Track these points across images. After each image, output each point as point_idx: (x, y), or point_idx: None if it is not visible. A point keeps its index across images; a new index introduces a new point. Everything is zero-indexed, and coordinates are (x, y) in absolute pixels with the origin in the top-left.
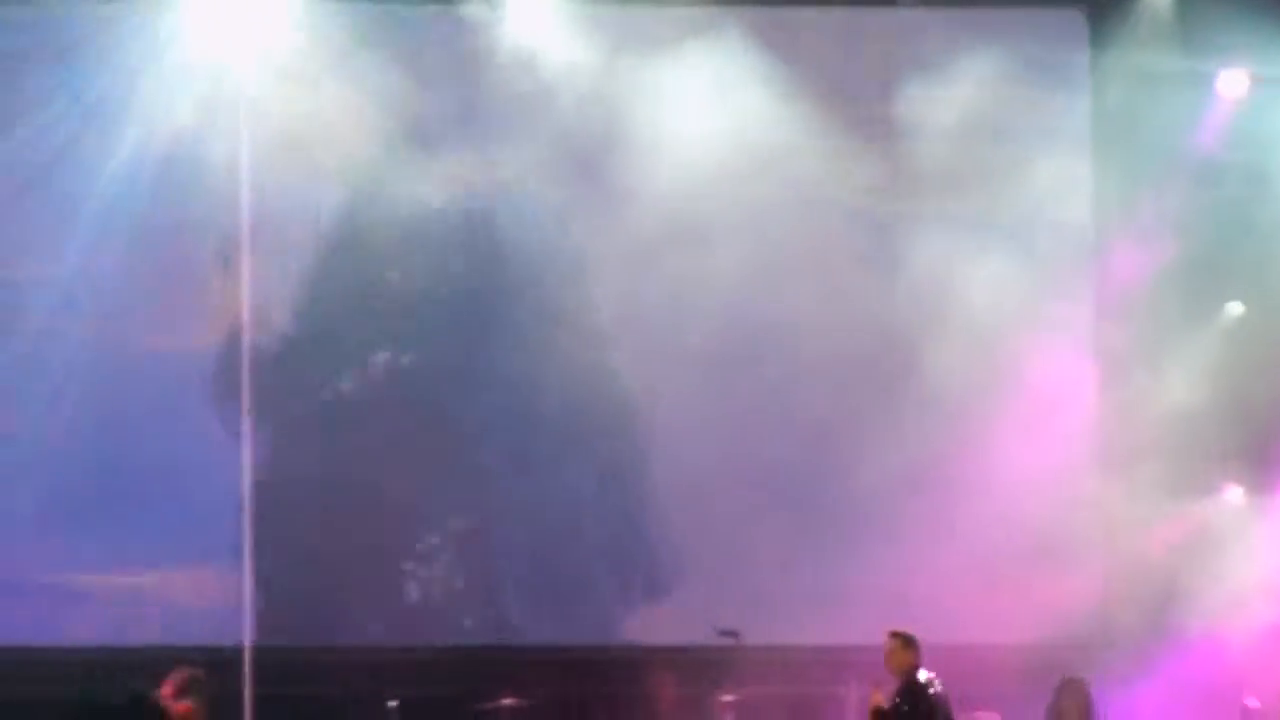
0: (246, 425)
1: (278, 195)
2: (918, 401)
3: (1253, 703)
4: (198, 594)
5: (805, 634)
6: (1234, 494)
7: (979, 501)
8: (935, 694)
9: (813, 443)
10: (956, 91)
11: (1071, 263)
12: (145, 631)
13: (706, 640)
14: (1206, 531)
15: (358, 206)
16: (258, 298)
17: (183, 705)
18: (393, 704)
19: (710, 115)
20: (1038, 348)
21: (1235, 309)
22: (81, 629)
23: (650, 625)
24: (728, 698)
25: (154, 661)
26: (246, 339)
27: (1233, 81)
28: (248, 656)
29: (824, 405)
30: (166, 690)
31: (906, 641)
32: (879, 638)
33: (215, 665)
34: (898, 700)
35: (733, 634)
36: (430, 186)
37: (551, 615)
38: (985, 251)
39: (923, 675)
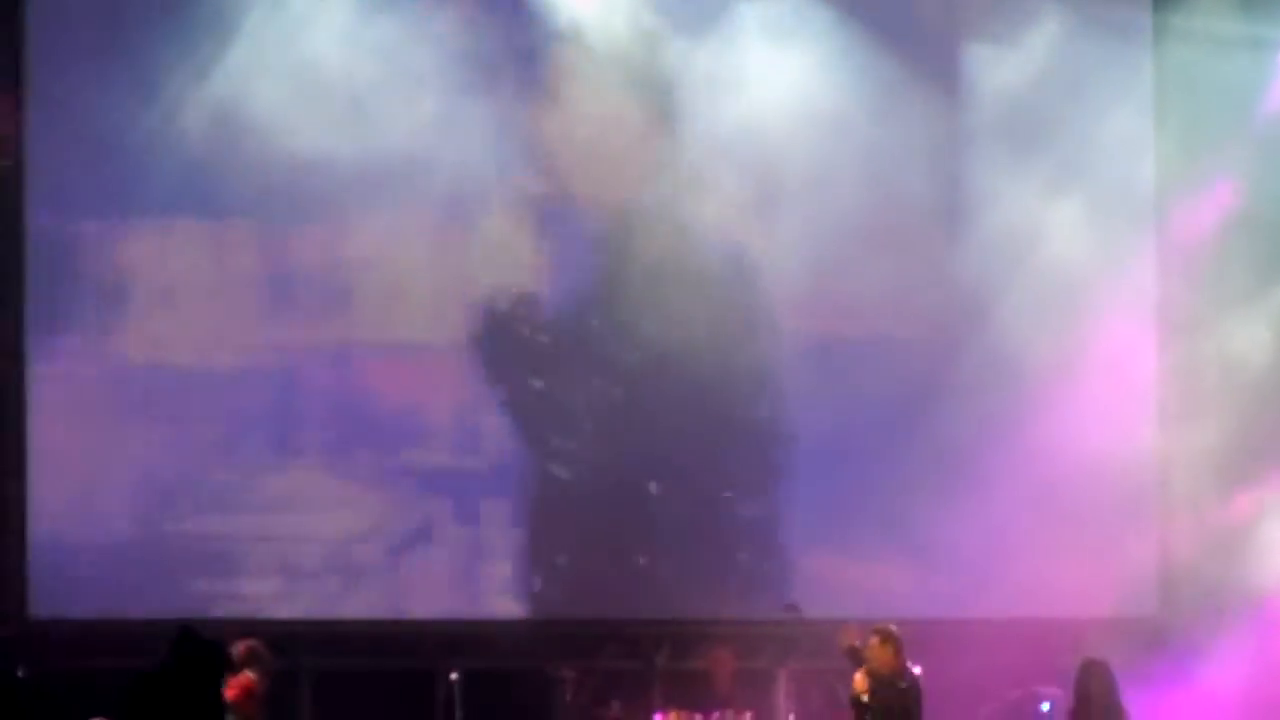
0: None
1: None
2: (984, 363)
3: None
4: None
5: (862, 609)
6: None
7: (1040, 468)
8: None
9: (877, 407)
10: (1021, 50)
11: (1135, 222)
12: None
13: (769, 614)
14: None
15: None
16: None
17: (244, 677)
18: (453, 676)
19: (775, 74)
20: (1101, 307)
21: None
22: None
23: (712, 599)
24: (787, 671)
25: None
26: None
27: None
28: None
29: (895, 369)
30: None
31: (886, 638)
32: (938, 611)
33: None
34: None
35: (795, 608)
36: None
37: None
38: (1050, 210)
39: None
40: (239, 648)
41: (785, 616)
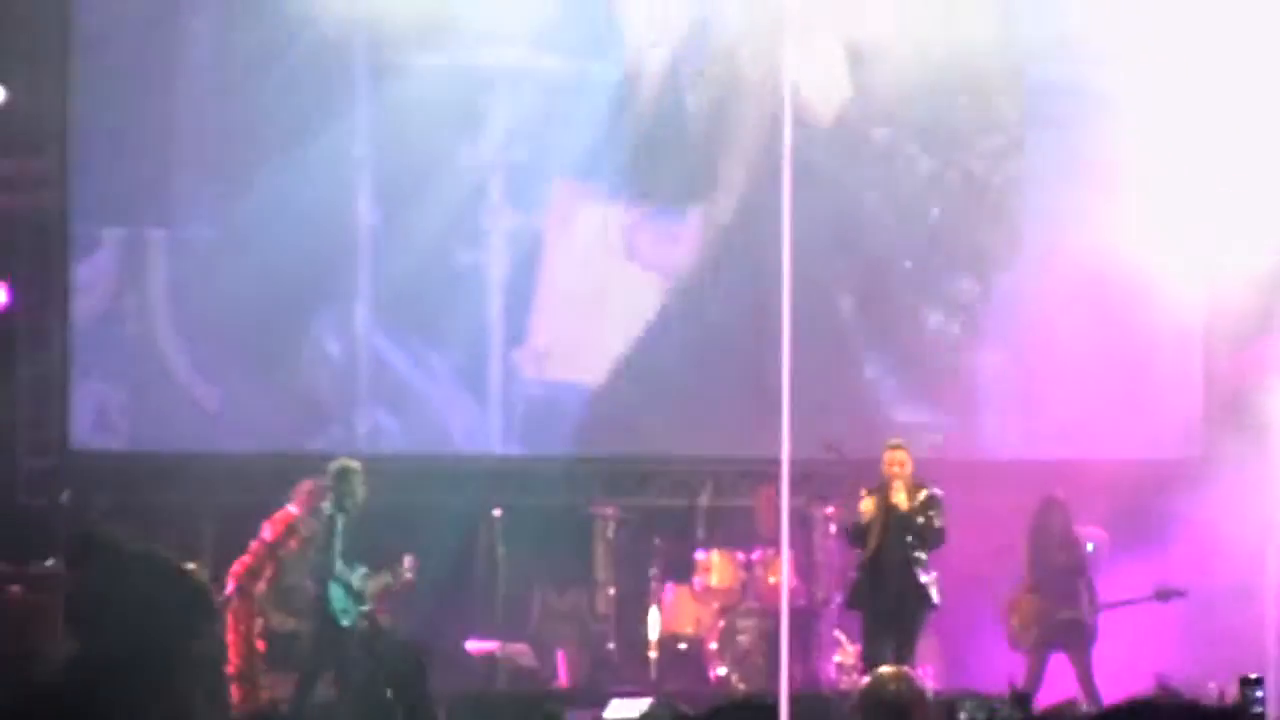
0: None
1: None
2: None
3: None
4: None
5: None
6: None
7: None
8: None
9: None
10: None
11: None
12: None
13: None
14: None
15: None
16: None
17: (285, 512)
18: (496, 512)
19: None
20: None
21: None
22: None
23: (754, 438)
24: (829, 510)
25: None
26: None
27: None
28: None
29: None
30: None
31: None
32: (981, 452)
33: None
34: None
35: (836, 449)
36: None
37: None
38: None
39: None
40: (305, 484)
41: (826, 455)
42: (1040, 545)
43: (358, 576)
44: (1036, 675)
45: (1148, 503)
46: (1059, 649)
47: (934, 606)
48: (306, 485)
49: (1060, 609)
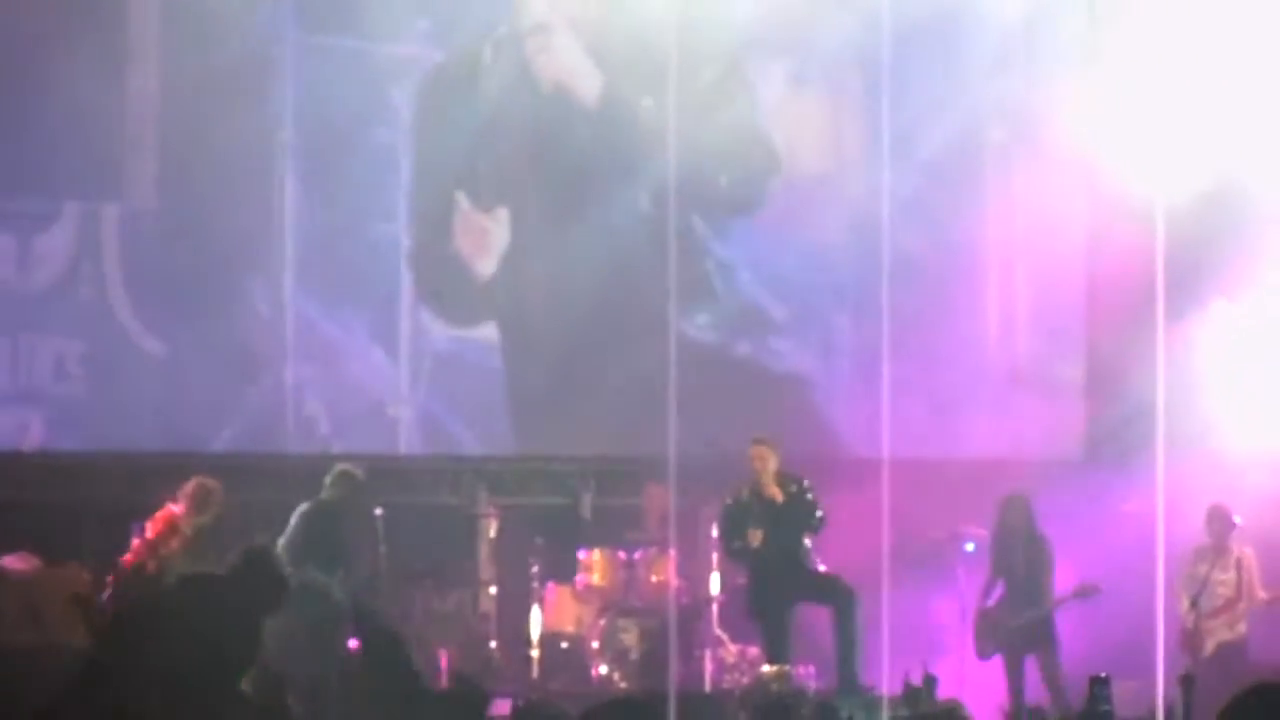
0: None
1: None
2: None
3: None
4: None
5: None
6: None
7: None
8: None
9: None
10: None
11: None
12: None
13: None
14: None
15: None
16: None
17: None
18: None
19: None
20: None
21: None
22: None
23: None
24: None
25: None
26: None
27: None
28: None
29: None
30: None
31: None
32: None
33: None
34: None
35: (714, 444)
36: None
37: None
38: None
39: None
40: (190, 484)
41: (707, 452)
42: (1003, 544)
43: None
44: (1015, 680)
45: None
46: (1028, 652)
47: (846, 590)
48: (190, 485)
49: (1025, 610)
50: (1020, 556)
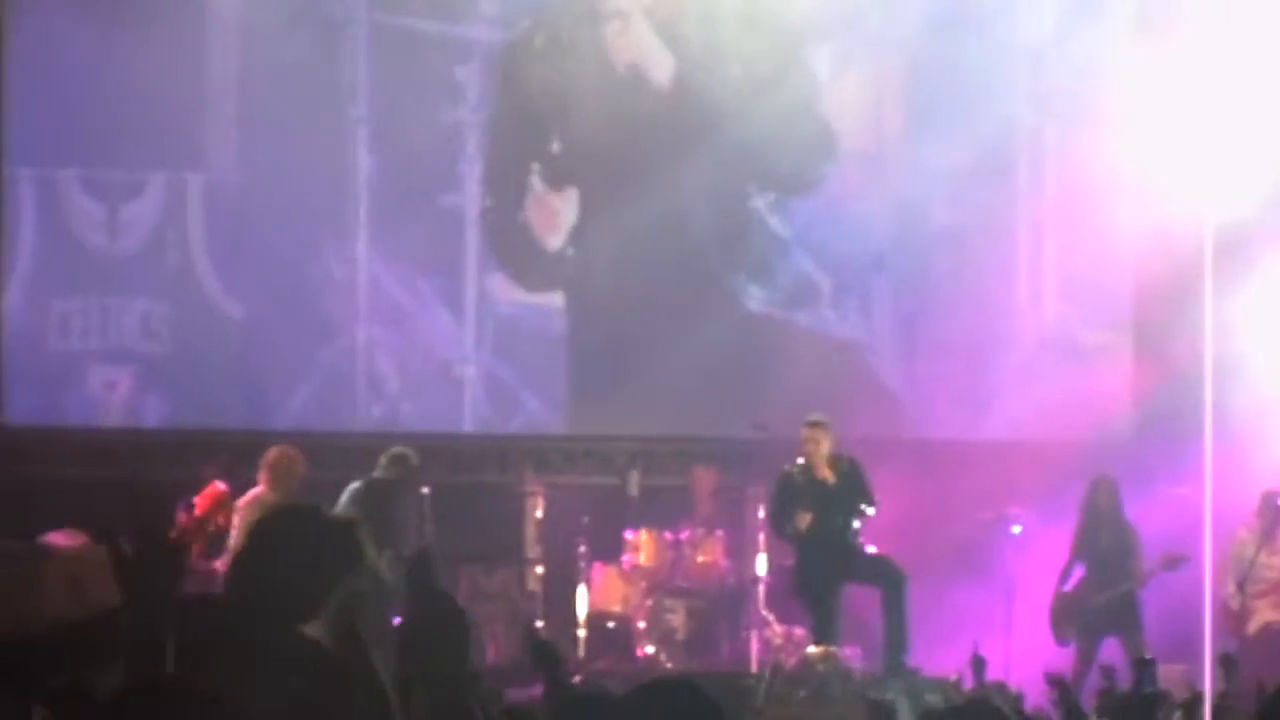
0: None
1: None
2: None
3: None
4: None
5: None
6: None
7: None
8: None
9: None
10: None
11: None
12: None
13: (740, 433)
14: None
15: None
16: None
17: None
18: (424, 490)
19: None
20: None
21: None
22: None
23: (689, 417)
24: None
25: None
26: None
27: None
28: None
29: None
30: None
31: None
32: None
33: None
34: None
35: (763, 428)
36: None
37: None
38: None
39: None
40: (271, 453)
41: (755, 435)
42: (1088, 527)
43: None
44: (1086, 663)
45: (1075, 482)
46: (1110, 634)
47: (896, 571)
48: (271, 454)
49: (1107, 591)
50: (1107, 540)
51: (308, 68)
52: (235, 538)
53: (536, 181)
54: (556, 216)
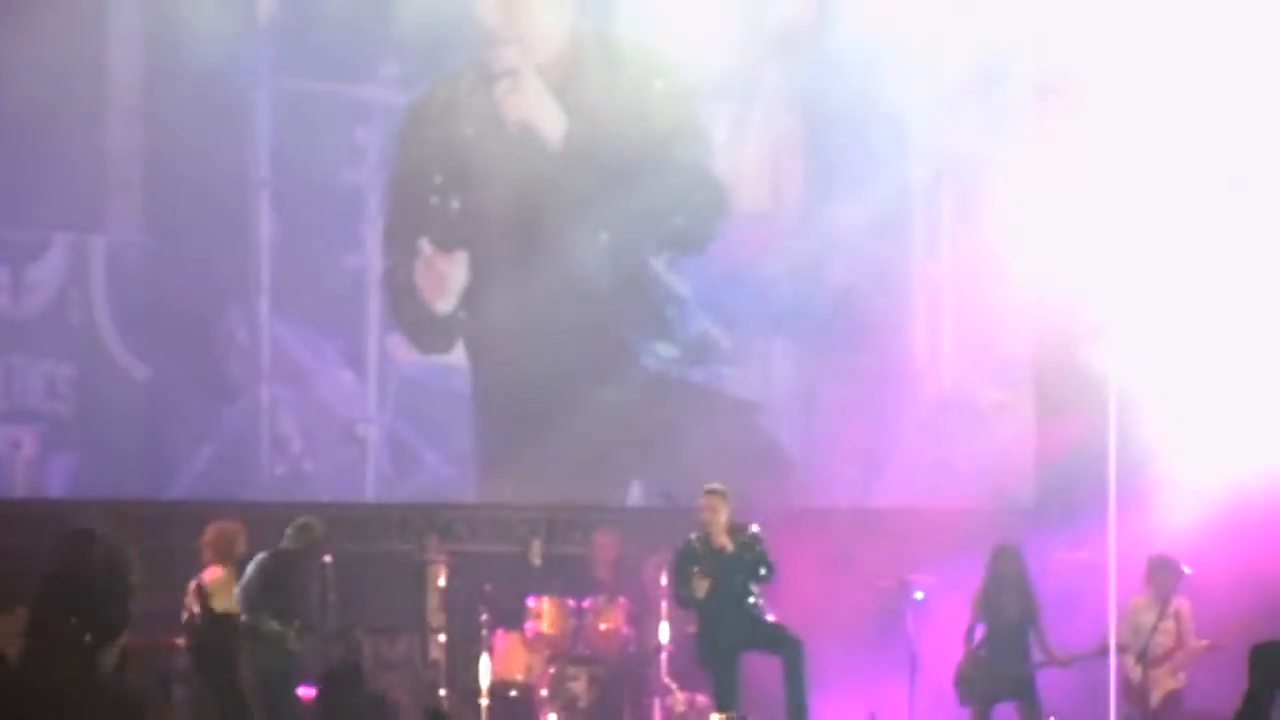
0: None
1: None
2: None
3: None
4: None
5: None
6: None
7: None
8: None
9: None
10: None
11: None
12: None
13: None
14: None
15: None
16: None
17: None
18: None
19: None
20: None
21: None
22: None
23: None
24: (658, 558)
25: None
26: None
27: None
28: None
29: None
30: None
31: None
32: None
33: None
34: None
35: (668, 496)
36: None
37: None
38: None
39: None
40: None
41: (659, 504)
42: (990, 592)
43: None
44: None
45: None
46: (1008, 700)
47: (793, 640)
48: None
49: (1012, 663)
50: (1010, 606)
51: (211, 129)
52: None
53: (425, 245)
54: (445, 280)
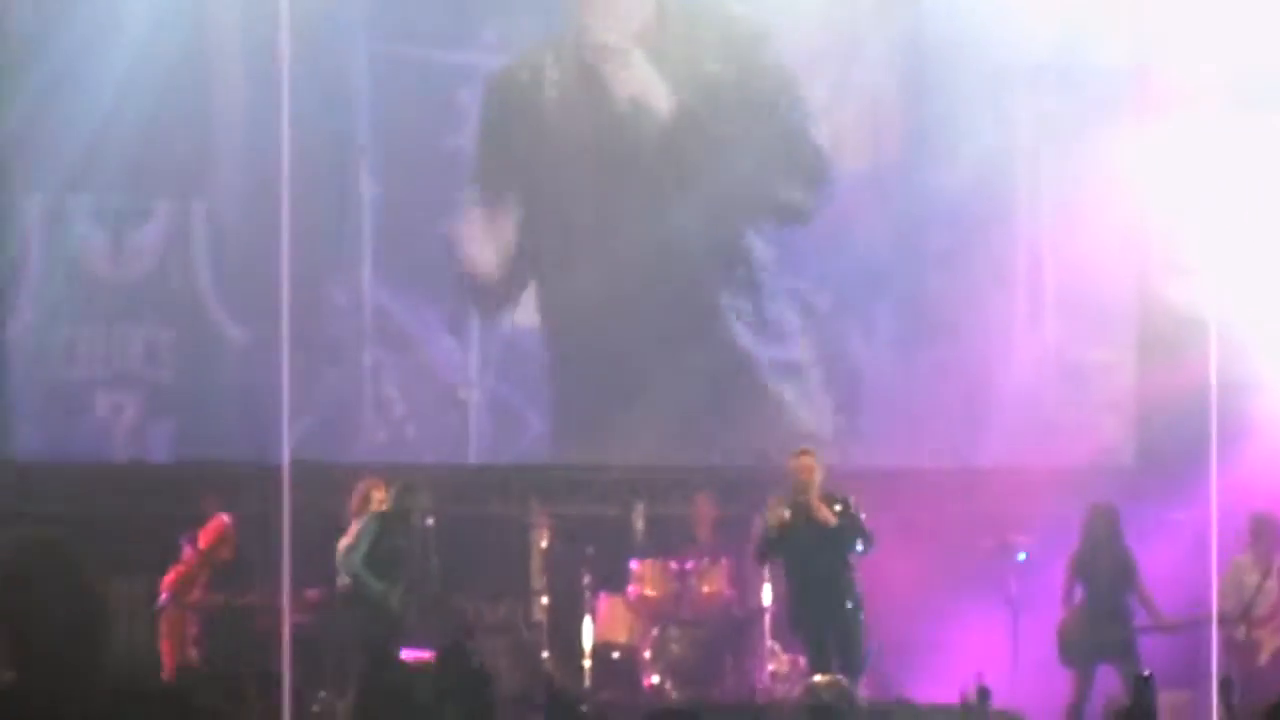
0: None
1: None
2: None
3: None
4: None
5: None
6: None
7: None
8: None
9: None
10: None
11: None
12: None
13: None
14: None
15: None
16: None
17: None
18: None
19: None
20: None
21: None
22: None
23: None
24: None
25: None
26: None
27: None
28: None
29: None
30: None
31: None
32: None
33: None
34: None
35: (766, 456)
36: None
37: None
38: None
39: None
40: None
41: (759, 463)
42: (1087, 556)
43: None
44: (1084, 691)
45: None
46: (1108, 662)
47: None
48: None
49: (1111, 625)
50: (1107, 567)
51: (310, 96)
52: None
53: (515, 205)
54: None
